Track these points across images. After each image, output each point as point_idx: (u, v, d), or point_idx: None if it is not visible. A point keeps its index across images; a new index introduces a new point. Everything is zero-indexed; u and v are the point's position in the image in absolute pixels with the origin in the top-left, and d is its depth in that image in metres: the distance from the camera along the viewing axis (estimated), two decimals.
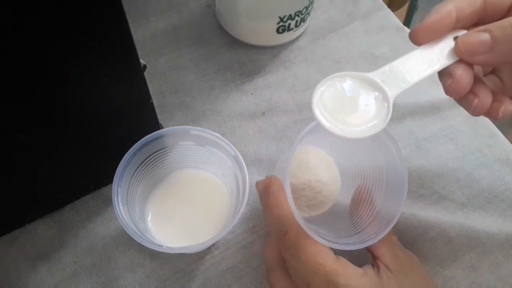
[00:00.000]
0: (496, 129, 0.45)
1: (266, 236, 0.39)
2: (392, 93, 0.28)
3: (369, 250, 0.32)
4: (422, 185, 0.41)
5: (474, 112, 0.29)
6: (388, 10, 0.53)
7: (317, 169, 0.37)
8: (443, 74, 0.29)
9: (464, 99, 0.29)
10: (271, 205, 0.31)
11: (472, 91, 0.29)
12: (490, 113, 0.29)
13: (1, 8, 0.21)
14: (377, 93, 0.28)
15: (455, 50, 0.28)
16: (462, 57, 0.28)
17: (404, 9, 0.98)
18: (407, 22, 1.00)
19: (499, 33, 0.26)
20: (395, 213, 0.31)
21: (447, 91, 0.29)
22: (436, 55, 0.28)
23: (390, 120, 0.27)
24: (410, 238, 0.38)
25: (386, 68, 0.28)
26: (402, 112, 0.45)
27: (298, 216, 0.29)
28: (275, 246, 0.33)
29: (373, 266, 0.31)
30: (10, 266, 0.37)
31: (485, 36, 0.26)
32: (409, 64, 0.28)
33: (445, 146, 0.43)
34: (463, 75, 0.28)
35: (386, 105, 0.28)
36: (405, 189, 0.31)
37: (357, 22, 0.52)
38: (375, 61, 0.49)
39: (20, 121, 0.28)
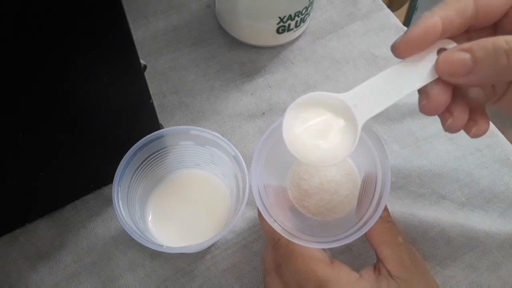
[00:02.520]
0: (496, 129, 0.45)
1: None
2: (362, 118, 0.27)
3: (374, 250, 0.31)
4: (422, 185, 0.41)
5: (447, 130, 0.28)
6: (388, 10, 0.53)
7: (326, 170, 0.36)
8: (420, 91, 0.27)
9: (439, 115, 0.28)
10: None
11: (448, 109, 0.27)
12: (464, 129, 0.28)
13: (3, 9, 0.21)
14: (349, 117, 0.27)
15: (436, 68, 0.26)
16: (441, 77, 0.26)
17: (404, 9, 0.98)
18: (407, 22, 1.00)
19: (481, 55, 0.24)
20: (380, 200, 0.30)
21: (421, 110, 0.27)
22: (418, 72, 0.27)
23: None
24: (410, 238, 0.38)
25: (364, 85, 0.27)
26: (402, 112, 0.45)
27: (279, 228, 0.29)
28: (271, 250, 0.33)
29: (374, 268, 0.30)
30: (11, 266, 0.37)
31: (466, 56, 0.24)
32: (389, 82, 0.27)
33: (445, 146, 0.44)
34: (439, 96, 0.26)
35: (355, 130, 0.27)
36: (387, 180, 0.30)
37: (357, 23, 0.52)
38: (375, 61, 0.49)
39: (21, 121, 0.28)
